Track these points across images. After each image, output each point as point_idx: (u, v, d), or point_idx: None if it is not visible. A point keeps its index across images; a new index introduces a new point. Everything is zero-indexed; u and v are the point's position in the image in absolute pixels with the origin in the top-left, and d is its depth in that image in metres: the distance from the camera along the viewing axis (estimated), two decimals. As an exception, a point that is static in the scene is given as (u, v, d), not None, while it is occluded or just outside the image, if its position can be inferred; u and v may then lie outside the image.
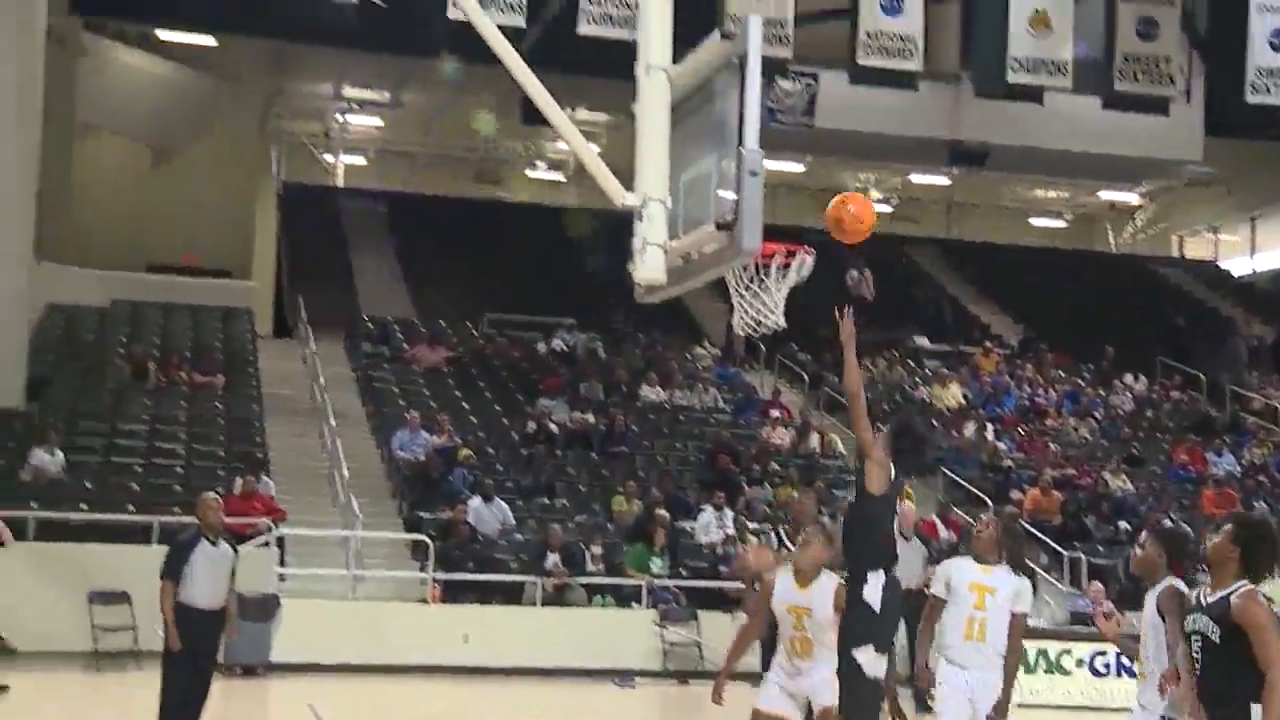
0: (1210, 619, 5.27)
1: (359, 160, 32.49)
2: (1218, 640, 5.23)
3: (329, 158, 31.83)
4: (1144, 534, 6.44)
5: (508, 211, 30.56)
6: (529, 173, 32.93)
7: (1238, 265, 35.27)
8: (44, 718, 11.47)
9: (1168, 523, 16.50)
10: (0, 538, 13.03)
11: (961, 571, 7.31)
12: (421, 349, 23.16)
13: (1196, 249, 36.53)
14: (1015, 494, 20.17)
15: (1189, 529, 15.22)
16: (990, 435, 22.13)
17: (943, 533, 18.26)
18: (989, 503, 19.69)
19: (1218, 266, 35.56)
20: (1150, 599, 6.09)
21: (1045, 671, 14.58)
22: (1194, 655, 5.30)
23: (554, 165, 32.29)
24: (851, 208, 7.17)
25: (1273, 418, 25.36)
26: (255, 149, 30.14)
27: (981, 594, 7.15)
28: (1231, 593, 5.28)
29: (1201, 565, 5.98)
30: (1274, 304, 32.03)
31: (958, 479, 20.62)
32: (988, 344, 27.38)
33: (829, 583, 7.09)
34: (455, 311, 25.90)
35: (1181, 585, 5.97)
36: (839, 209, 7.17)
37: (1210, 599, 5.35)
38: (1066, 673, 14.90)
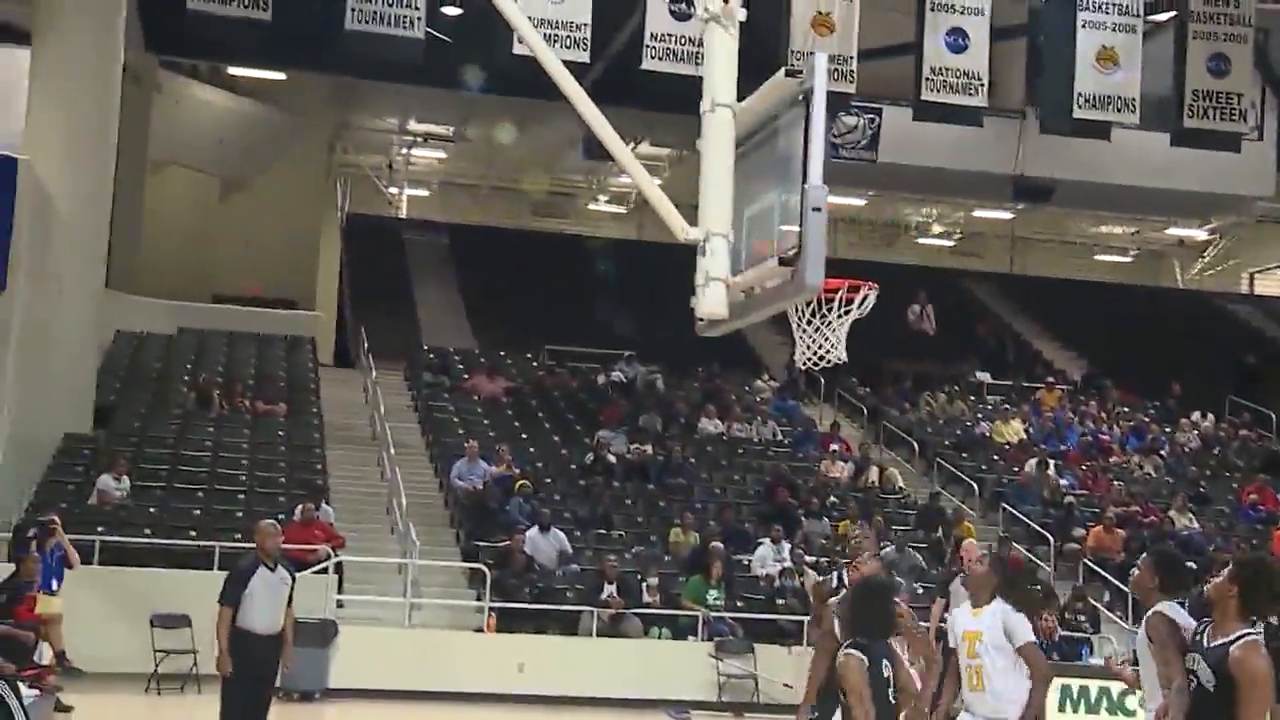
0: (1208, 665, 5.18)
1: (422, 192, 32.87)
2: (1211, 689, 5.13)
3: (393, 190, 32.23)
4: (1143, 555, 6.30)
5: (569, 244, 30.77)
6: (591, 206, 33.14)
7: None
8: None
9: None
10: (69, 561, 13.29)
11: (957, 621, 7.15)
12: (481, 379, 23.30)
13: (1268, 285, 36.01)
14: (1077, 530, 19.93)
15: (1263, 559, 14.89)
16: (1051, 471, 21.89)
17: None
18: (1050, 539, 19.47)
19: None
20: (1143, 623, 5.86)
21: (1108, 711, 14.36)
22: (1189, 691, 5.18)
23: (615, 199, 32.47)
24: None
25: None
26: (320, 181, 30.61)
27: (971, 641, 6.93)
28: (1233, 642, 5.17)
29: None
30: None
31: (1018, 514, 20.41)
32: (1050, 379, 27.14)
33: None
34: (515, 343, 26.06)
35: (1173, 611, 5.73)
36: None
37: (1212, 643, 5.25)
38: (1130, 713, 14.66)
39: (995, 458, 23.13)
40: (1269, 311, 33.61)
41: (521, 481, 18.71)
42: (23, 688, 10.06)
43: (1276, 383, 27.71)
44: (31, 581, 12.65)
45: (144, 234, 27.06)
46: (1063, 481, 21.85)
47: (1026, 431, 24.17)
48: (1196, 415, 25.76)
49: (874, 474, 21.58)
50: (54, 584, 12.98)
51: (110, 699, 13.46)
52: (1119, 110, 20.75)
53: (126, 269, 24.99)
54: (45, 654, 12.58)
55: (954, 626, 7.16)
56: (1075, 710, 14.25)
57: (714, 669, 15.70)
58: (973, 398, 26.15)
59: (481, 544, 17.43)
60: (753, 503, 20.03)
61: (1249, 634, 5.18)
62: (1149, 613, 5.79)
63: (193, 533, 16.63)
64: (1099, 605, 17.84)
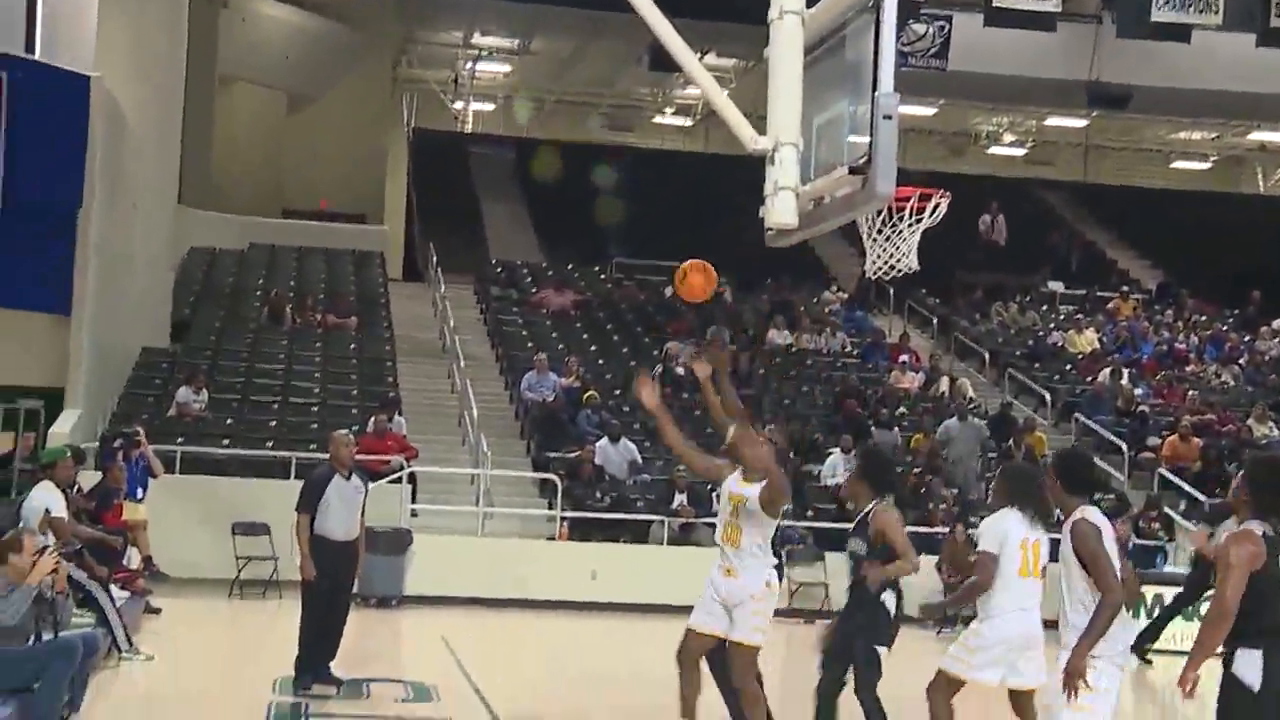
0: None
1: (488, 107, 32.85)
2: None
3: (458, 104, 32.23)
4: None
5: (635, 156, 30.66)
6: (657, 119, 32.94)
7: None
8: (191, 641, 12.04)
9: None
10: (153, 470, 13.69)
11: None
12: (549, 293, 23.44)
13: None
14: (1152, 440, 19.80)
15: None
16: (1125, 381, 21.71)
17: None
18: (1123, 448, 19.38)
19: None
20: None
21: (1184, 619, 14.36)
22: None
23: (681, 111, 32.25)
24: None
25: None
26: (386, 97, 30.66)
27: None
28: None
29: None
30: None
31: (1091, 424, 20.32)
32: (1124, 289, 26.79)
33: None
34: (582, 256, 26.13)
35: (1094, 515, 5.78)
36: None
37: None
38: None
39: (1068, 368, 22.96)
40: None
41: (590, 393, 18.89)
42: (114, 589, 10.45)
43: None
44: (118, 489, 13.05)
45: (214, 150, 27.34)
46: (1137, 391, 21.66)
47: (1100, 341, 23.94)
48: (1277, 323, 25.32)
49: (944, 385, 21.53)
50: (139, 492, 13.39)
51: (196, 603, 13.91)
52: (1200, 11, 20.25)
53: (198, 185, 25.31)
54: (133, 559, 13.01)
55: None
56: (1149, 617, 14.29)
57: (785, 576, 15.87)
58: (1045, 308, 25.91)
59: (552, 455, 17.68)
60: (822, 413, 20.08)
61: (1245, 526, 5.28)
62: (1072, 520, 5.77)
63: (269, 444, 17.03)
64: (1173, 514, 17.78)
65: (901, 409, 20.27)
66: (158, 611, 12.58)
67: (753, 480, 7.20)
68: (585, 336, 22.17)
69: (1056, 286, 27.09)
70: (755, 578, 7.18)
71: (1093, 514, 5.78)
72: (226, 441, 17.00)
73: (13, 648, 7.12)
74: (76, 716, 7.35)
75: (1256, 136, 32.61)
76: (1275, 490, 5.28)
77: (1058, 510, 6.16)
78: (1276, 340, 24.76)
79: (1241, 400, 21.90)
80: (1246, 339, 24.77)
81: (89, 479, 13.32)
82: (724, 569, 7.24)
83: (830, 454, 18.11)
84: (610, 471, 17.44)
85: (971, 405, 20.88)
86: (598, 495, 16.91)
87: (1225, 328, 25.30)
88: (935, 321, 24.77)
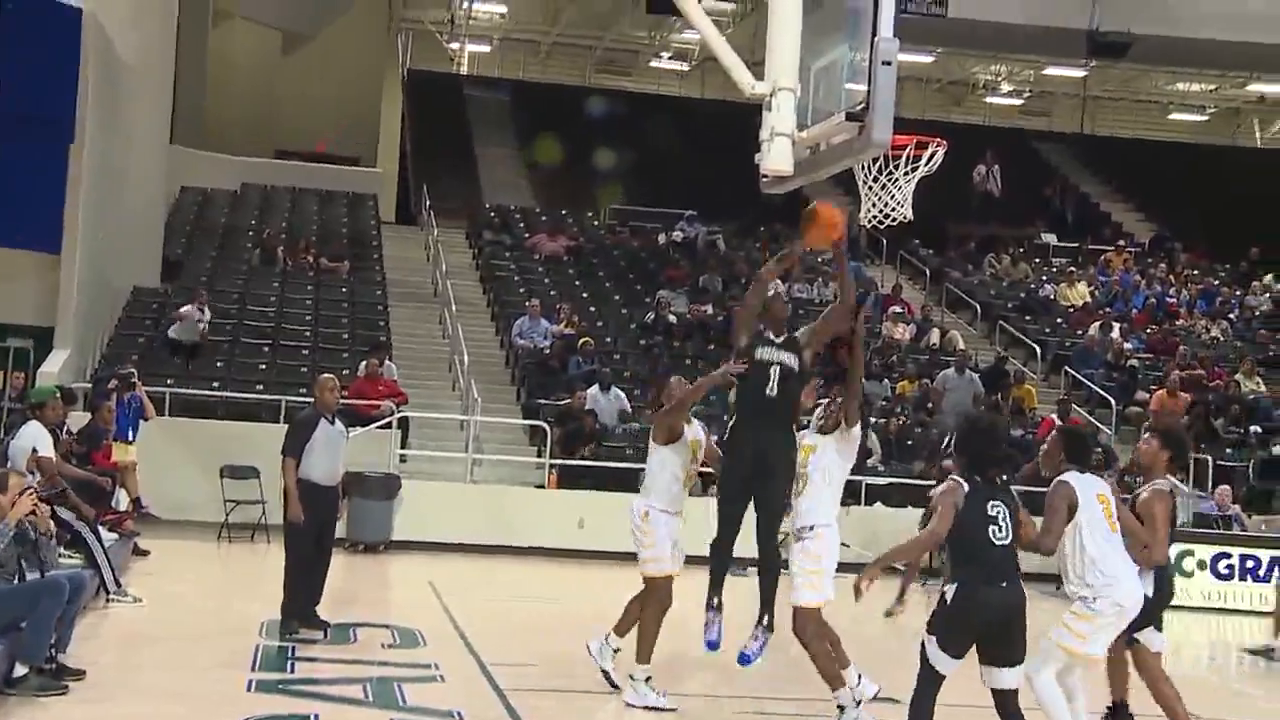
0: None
1: (484, 48, 32.49)
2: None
3: (454, 45, 31.87)
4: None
5: (631, 101, 30.38)
6: (653, 63, 32.61)
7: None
8: (179, 583, 12.00)
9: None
10: (146, 412, 13.58)
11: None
12: (542, 238, 23.28)
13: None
14: (1141, 394, 19.77)
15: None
16: (1116, 334, 21.65)
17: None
18: (1112, 402, 19.35)
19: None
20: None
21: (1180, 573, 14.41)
22: None
23: (678, 55, 31.92)
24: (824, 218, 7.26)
25: None
26: (382, 36, 30.33)
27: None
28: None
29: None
30: None
31: (1080, 378, 20.26)
32: (1120, 243, 26.68)
33: None
34: (577, 201, 25.93)
35: (1073, 478, 6.41)
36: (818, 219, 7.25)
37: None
38: (1188, 574, 14.72)
39: (1059, 321, 22.89)
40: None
41: (584, 340, 18.79)
42: (102, 530, 10.39)
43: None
44: (107, 430, 12.96)
45: (208, 89, 27.05)
46: (1127, 345, 21.61)
47: (1092, 294, 23.87)
48: (1269, 278, 25.25)
49: (935, 336, 21.45)
50: (130, 434, 13.29)
51: (185, 545, 13.87)
52: (1201, -39, 19.92)
53: (191, 124, 25.08)
54: (122, 500, 12.94)
55: None
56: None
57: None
58: (1038, 260, 25.80)
59: (543, 402, 17.59)
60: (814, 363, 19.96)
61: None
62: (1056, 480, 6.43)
63: (259, 387, 16.92)
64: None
65: (893, 359, 20.18)
66: (146, 553, 12.54)
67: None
68: (578, 283, 22.02)
69: (1050, 239, 26.99)
70: None
71: (1072, 477, 6.39)
72: (216, 384, 16.90)
73: (1, 586, 7.08)
74: (63, 656, 7.30)
75: (1255, 88, 32.36)
76: (978, 449, 6.08)
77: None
78: (1267, 295, 24.70)
79: (1230, 355, 21.86)
80: (1238, 293, 24.69)
81: (80, 421, 13.23)
82: None
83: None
84: (601, 420, 17.37)
85: (964, 357, 20.81)
86: (587, 446, 16.81)
87: (1217, 282, 25.21)
88: (928, 273, 24.65)
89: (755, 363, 7.25)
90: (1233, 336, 23.01)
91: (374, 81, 29.78)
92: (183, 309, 17.74)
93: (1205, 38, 25.31)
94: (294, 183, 25.86)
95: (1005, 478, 6.07)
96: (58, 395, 11.12)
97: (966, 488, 5.89)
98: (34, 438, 10.22)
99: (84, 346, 16.87)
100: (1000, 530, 5.80)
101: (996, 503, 5.86)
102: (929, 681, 5.81)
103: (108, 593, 9.90)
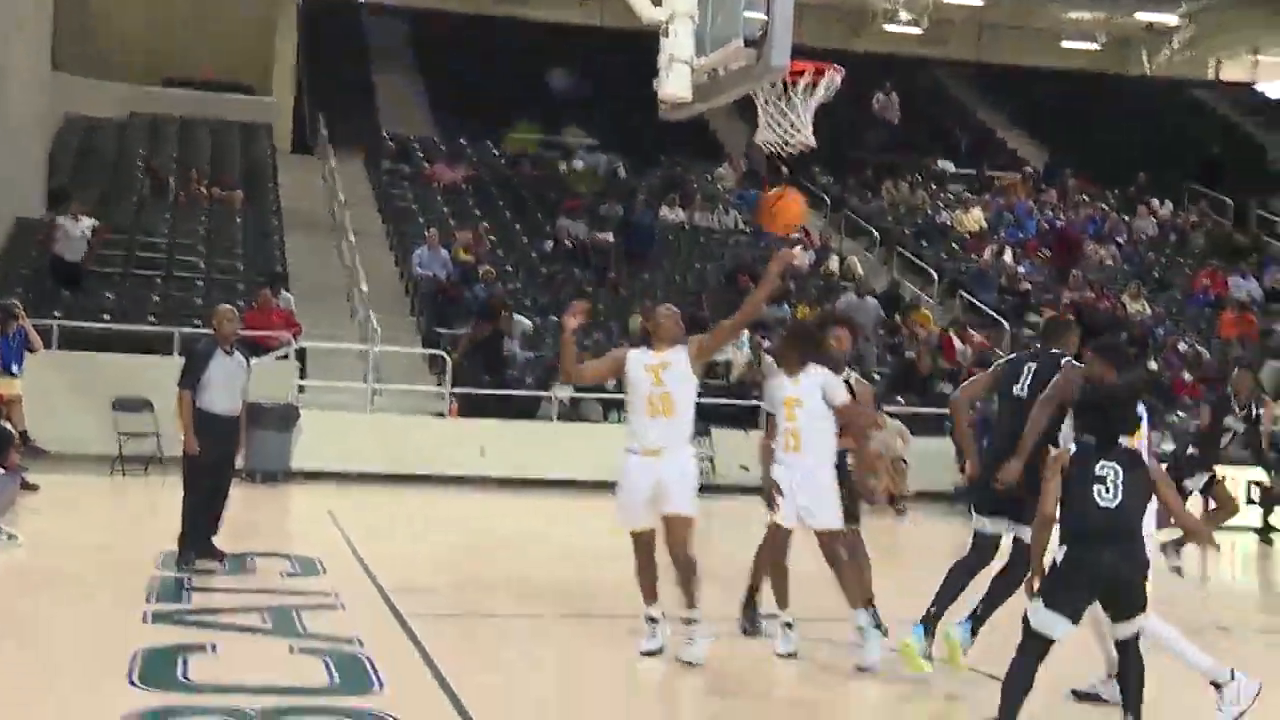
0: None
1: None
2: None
3: (349, -29, 31.11)
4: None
5: (530, 30, 29.97)
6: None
7: (1277, 89, 34.56)
8: (71, 518, 11.79)
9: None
10: (31, 344, 13.22)
11: (777, 390, 7.28)
12: (441, 167, 23.02)
13: (1235, 71, 35.64)
14: (1031, 317, 20.15)
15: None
16: (1009, 258, 22.01)
17: (959, 347, 18.42)
18: (1005, 324, 19.71)
19: (1255, 90, 34.77)
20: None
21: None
22: None
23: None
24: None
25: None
26: (275, -40, 29.47)
27: (790, 407, 7.13)
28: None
29: None
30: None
31: (975, 301, 20.60)
32: (1026, 169, 27.06)
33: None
34: (476, 130, 25.62)
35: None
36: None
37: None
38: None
39: (955, 246, 23.20)
40: (1235, 99, 33.37)
41: (486, 270, 18.65)
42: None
43: (1237, 171, 27.73)
44: (-12, 362, 12.61)
45: (92, 13, 26.15)
46: (1020, 269, 21.99)
47: (986, 221, 24.19)
48: (1155, 203, 25.80)
49: (834, 263, 21.63)
50: (14, 366, 12.94)
51: (75, 479, 13.60)
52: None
53: (75, 50, 24.23)
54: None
55: (773, 394, 7.31)
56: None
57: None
58: (935, 187, 26.07)
59: (442, 331, 17.46)
60: (714, 291, 20.05)
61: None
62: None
63: (151, 318, 16.56)
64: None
65: (792, 286, 20.31)
66: (35, 488, 12.27)
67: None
68: (477, 212, 21.81)
69: (946, 166, 27.24)
70: None
71: None
72: (107, 316, 16.51)
73: None
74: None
75: (1143, 16, 32.88)
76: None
77: None
78: (1153, 220, 25.24)
79: (1118, 278, 22.34)
80: (1125, 218, 25.20)
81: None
82: None
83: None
84: (508, 348, 17.26)
85: (861, 282, 21.04)
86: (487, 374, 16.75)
87: (1106, 208, 25.69)
88: (828, 200, 24.80)
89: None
90: (1121, 260, 23.50)
91: (267, 7, 28.99)
92: (58, 220, 17.14)
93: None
94: (185, 111, 25.19)
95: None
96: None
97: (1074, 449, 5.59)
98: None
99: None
100: (1108, 491, 5.43)
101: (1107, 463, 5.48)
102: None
103: (-10, 531, 9.68)
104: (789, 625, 7.20)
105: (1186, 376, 18.71)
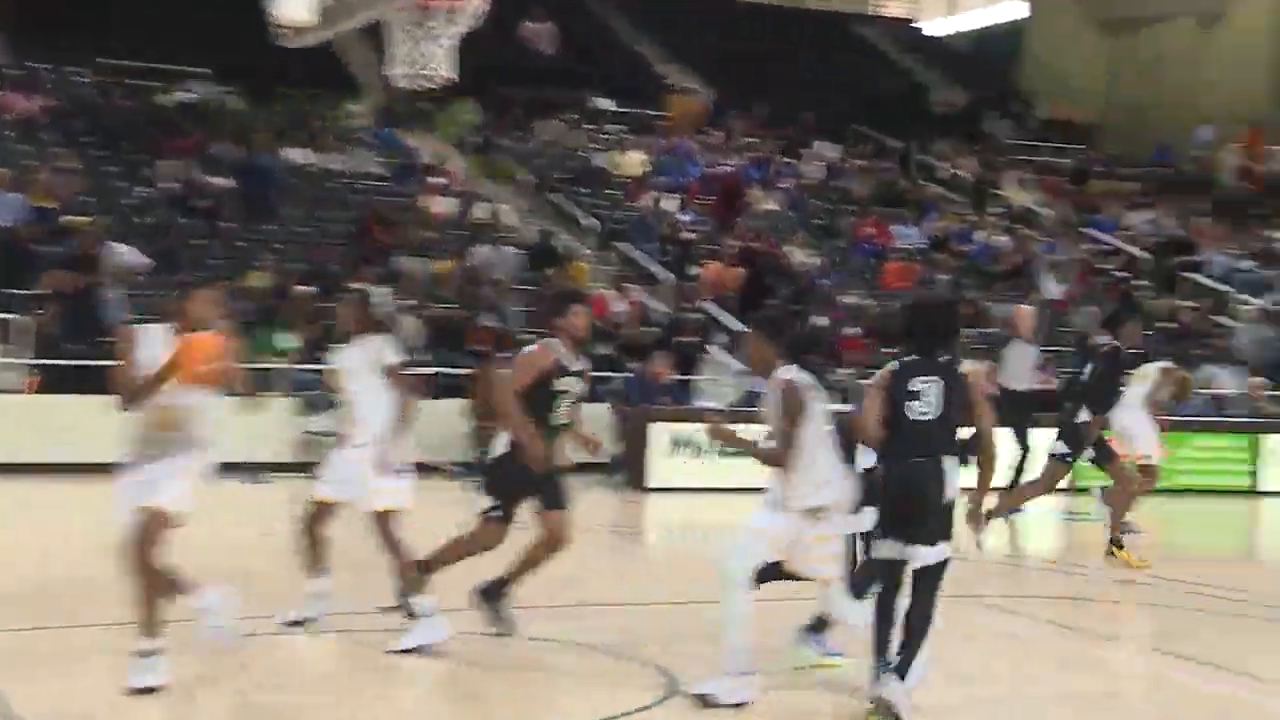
0: None
1: None
2: None
3: None
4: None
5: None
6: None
7: (936, 26, 36.55)
8: None
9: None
10: None
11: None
12: (14, 96, 21.35)
13: (895, 6, 37.36)
14: (694, 269, 20.43)
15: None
16: (671, 206, 22.28)
17: (618, 307, 18.47)
18: (674, 278, 19.88)
19: (914, 27, 36.55)
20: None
21: (721, 455, 14.94)
22: None
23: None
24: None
25: (961, 189, 26.52)
26: None
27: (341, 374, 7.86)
28: None
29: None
30: (969, 69, 33.26)
31: (637, 252, 20.73)
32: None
33: None
34: (58, 55, 23.81)
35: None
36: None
37: None
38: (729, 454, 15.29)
39: (612, 191, 23.27)
40: (895, 36, 34.88)
41: (72, 218, 17.40)
42: None
43: (901, 111, 29.01)
44: None
45: None
46: (683, 217, 22.27)
47: (649, 164, 24.34)
48: (820, 146, 26.64)
49: (484, 210, 21.32)
50: None
51: None
52: None
53: None
54: None
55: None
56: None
57: (298, 428, 15.37)
58: (592, 126, 26.04)
59: (15, 292, 16.14)
60: (343, 243, 19.40)
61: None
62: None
63: None
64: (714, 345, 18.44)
65: (433, 235, 19.89)
66: None
67: None
68: (58, 150, 20.30)
69: (605, 104, 27.23)
70: None
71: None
72: None
73: None
74: None
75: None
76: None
77: None
78: (818, 164, 26.06)
79: (781, 225, 22.93)
80: (789, 162, 25.89)
81: None
82: None
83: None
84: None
85: (511, 232, 20.82)
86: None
87: (772, 151, 26.31)
88: (480, 142, 24.34)
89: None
90: (786, 207, 24.12)
91: None
92: None
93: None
94: None
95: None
96: None
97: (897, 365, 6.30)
98: None
99: None
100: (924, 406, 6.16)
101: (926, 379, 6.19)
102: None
103: None
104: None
105: (853, 330, 19.29)
